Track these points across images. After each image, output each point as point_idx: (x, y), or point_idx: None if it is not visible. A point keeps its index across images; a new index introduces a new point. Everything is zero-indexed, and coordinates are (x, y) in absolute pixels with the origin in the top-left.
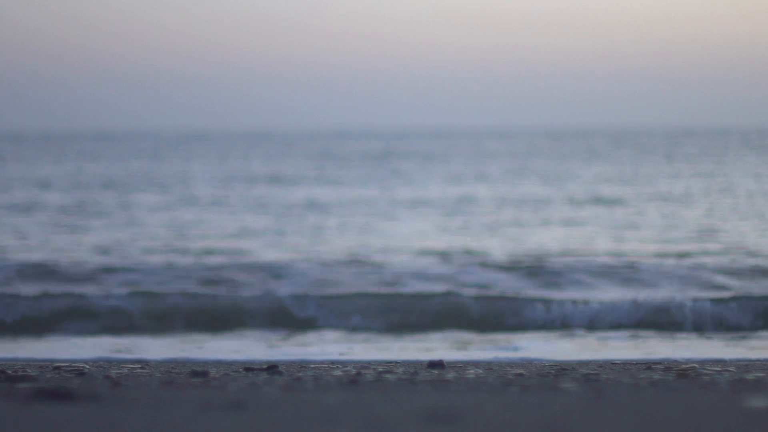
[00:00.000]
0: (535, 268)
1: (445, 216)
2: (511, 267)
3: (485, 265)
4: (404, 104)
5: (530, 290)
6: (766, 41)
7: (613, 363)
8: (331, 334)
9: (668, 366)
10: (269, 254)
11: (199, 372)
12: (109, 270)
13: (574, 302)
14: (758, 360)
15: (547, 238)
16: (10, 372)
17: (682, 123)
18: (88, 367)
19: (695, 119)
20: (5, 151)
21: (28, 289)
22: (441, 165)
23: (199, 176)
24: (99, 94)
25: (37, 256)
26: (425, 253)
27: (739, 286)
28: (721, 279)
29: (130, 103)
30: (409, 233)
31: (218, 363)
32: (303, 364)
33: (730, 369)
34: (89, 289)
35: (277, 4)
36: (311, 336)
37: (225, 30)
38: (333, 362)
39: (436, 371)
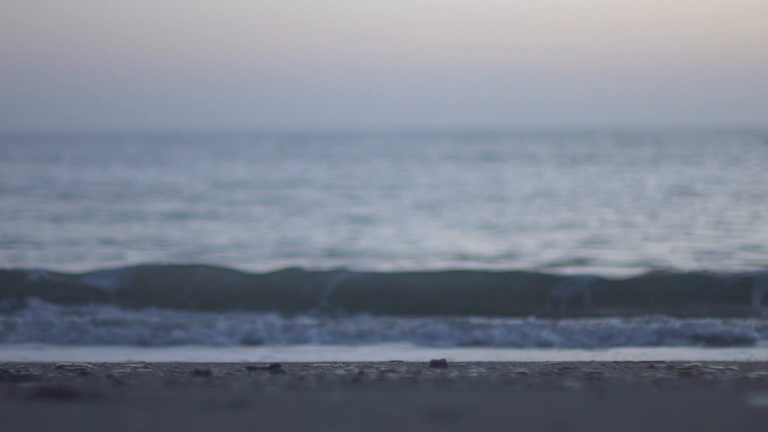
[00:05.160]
0: None
1: None
2: None
3: None
4: (405, 104)
5: None
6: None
7: (615, 362)
8: None
9: (671, 365)
10: None
11: (201, 371)
12: None
13: None
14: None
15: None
16: (12, 371)
17: (688, 122)
18: (90, 366)
19: (698, 119)
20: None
21: None
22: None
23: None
24: (99, 94)
25: None
26: None
27: None
28: None
29: (130, 103)
30: None
31: (221, 362)
32: (306, 363)
33: (732, 368)
34: None
35: (277, 4)
36: None
37: (225, 30)
38: (336, 361)
39: (438, 370)
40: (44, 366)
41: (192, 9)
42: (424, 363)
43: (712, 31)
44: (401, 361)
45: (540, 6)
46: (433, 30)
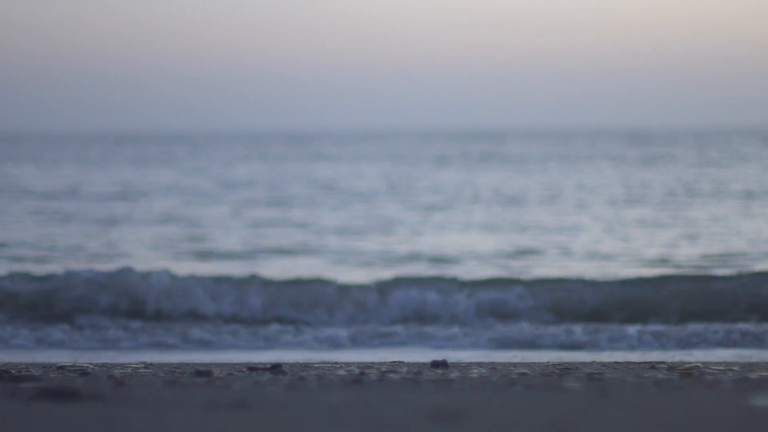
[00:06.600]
0: None
1: None
2: None
3: None
4: (406, 105)
5: None
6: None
7: (616, 362)
8: None
9: (672, 365)
10: None
11: (202, 371)
12: None
13: None
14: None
15: None
16: (14, 372)
17: (688, 123)
18: (91, 366)
19: (699, 119)
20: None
21: None
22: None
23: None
24: (99, 95)
25: None
26: None
27: None
28: None
29: (130, 103)
30: None
31: (222, 362)
32: (307, 364)
33: (733, 368)
34: None
35: (277, 4)
36: None
37: (225, 30)
38: (336, 362)
39: (439, 371)
40: (45, 366)
41: (192, 9)
42: (425, 363)
43: (712, 31)
44: (402, 362)
45: (542, 6)
46: (435, 30)
